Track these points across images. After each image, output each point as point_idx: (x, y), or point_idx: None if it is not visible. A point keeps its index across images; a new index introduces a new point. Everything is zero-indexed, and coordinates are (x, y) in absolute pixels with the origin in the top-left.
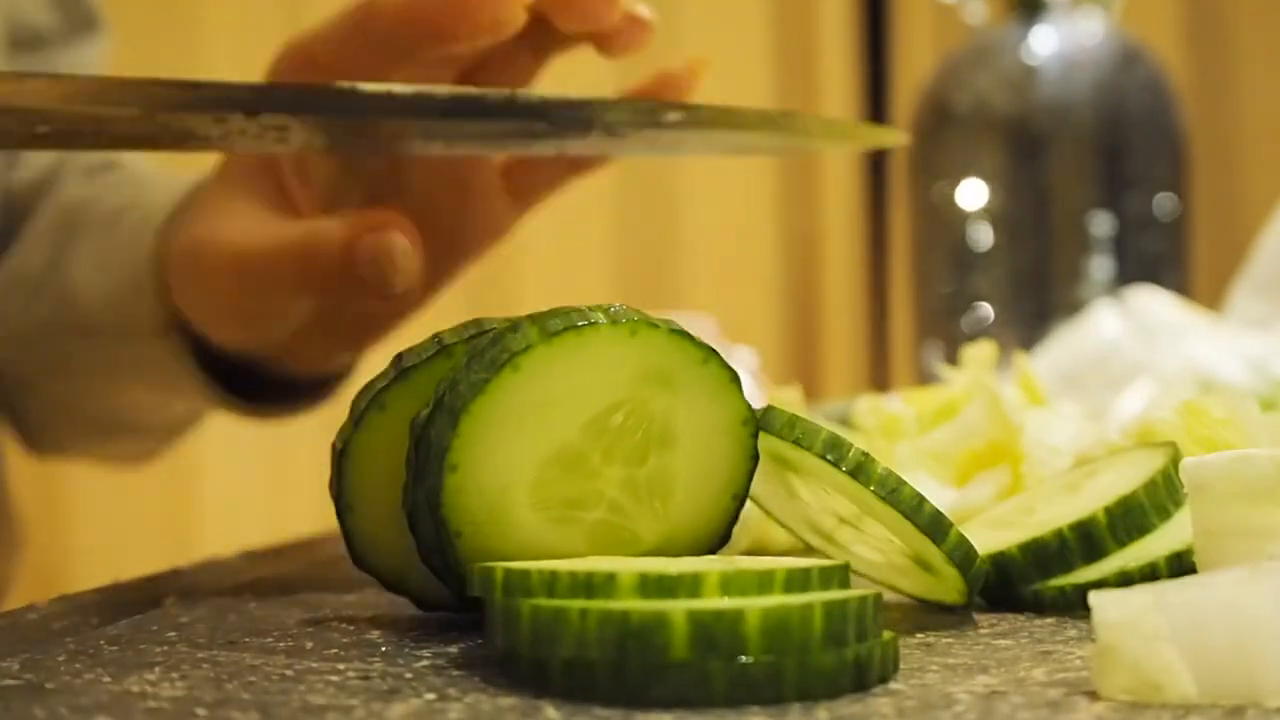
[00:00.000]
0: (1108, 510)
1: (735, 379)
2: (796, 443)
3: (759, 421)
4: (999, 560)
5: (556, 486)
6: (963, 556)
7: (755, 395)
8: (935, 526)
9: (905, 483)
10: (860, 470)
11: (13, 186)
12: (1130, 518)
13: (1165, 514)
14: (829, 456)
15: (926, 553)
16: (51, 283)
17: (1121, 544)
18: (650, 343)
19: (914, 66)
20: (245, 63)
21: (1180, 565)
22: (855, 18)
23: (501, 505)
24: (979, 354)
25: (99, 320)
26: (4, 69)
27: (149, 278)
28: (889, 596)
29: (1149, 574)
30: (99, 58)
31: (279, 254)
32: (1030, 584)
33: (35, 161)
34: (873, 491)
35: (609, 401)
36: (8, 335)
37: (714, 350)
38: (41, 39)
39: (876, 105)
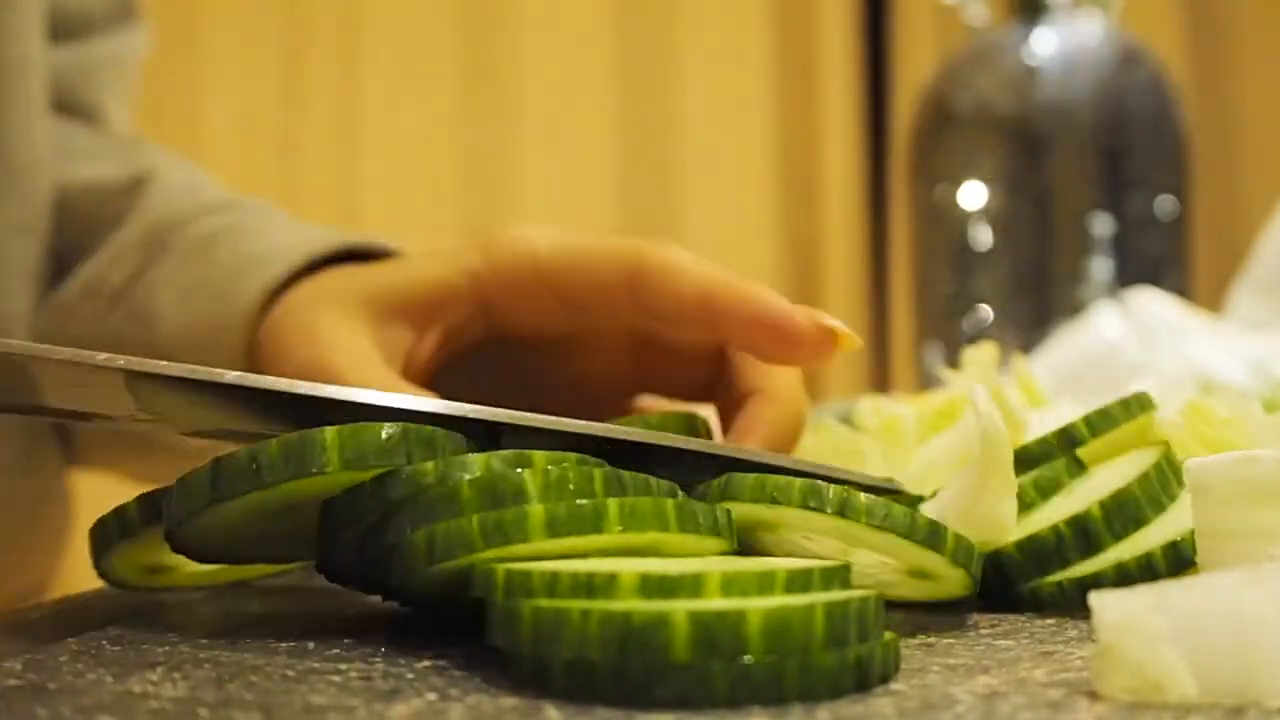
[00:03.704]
0: (1102, 504)
1: None
2: (773, 501)
3: (723, 493)
4: (996, 558)
5: None
6: (965, 555)
7: None
8: (933, 537)
9: (891, 505)
10: (846, 507)
11: (91, 183)
12: (1125, 510)
13: (1160, 506)
14: (810, 504)
15: (926, 563)
16: (131, 300)
17: (1117, 537)
18: None
19: (915, 67)
20: (245, 68)
21: (1176, 555)
22: (856, 18)
23: None
24: (981, 355)
25: (174, 348)
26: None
27: (240, 319)
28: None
29: (1145, 565)
30: (140, 48)
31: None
32: (1028, 581)
33: (113, 167)
34: (864, 524)
35: None
36: (80, 338)
37: None
38: (87, 24)
39: (877, 106)
